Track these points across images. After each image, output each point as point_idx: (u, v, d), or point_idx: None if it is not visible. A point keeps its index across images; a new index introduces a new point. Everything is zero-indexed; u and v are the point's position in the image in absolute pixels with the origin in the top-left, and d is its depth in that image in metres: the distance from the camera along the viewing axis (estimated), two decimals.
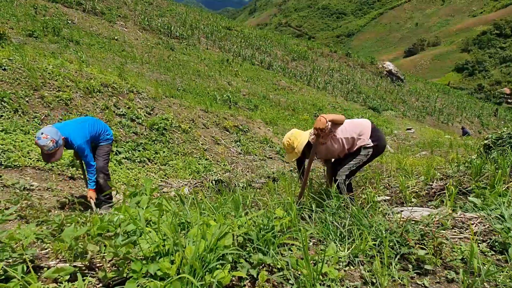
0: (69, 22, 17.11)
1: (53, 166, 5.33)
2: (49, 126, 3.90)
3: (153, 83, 11.77)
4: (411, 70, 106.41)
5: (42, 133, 3.69)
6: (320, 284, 1.63)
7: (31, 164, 5.13)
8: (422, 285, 1.78)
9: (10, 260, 1.61)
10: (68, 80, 7.64)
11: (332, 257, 1.86)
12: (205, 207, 2.53)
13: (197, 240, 1.61)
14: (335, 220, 2.39)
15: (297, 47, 36.01)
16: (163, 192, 5.72)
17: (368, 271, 1.83)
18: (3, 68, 6.88)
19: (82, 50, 13.05)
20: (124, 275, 1.58)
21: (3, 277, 1.50)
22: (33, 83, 6.87)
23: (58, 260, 1.78)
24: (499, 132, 4.59)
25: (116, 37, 18.22)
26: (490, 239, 2.20)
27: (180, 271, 1.49)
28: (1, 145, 5.13)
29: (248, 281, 1.68)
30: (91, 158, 4.20)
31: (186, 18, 29.05)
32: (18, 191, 4.29)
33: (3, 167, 4.81)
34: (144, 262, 1.55)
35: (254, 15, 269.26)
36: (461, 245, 2.06)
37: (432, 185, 4.12)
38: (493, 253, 2.09)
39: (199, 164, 7.51)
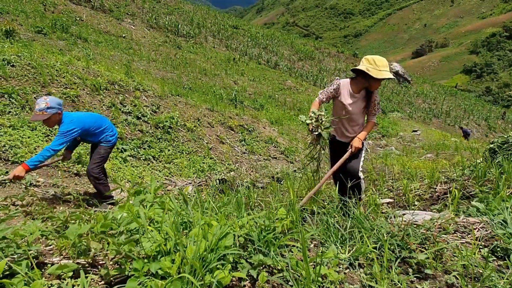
0: (78, 19, 17.23)
1: (59, 163, 5.38)
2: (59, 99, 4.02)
3: (159, 81, 11.83)
4: (418, 71, 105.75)
5: (47, 95, 3.90)
6: (319, 286, 1.64)
7: None
8: None
9: (15, 256, 1.63)
10: (75, 77, 7.71)
11: (333, 259, 1.87)
12: (208, 207, 2.55)
13: (198, 240, 1.63)
14: (337, 222, 2.40)
15: (304, 47, 35.95)
16: (168, 190, 5.75)
17: (368, 274, 1.84)
18: (11, 64, 6.96)
19: (89, 48, 13.15)
20: (126, 273, 1.60)
21: (7, 273, 1.52)
22: (41, 80, 6.94)
23: (61, 256, 1.80)
24: (505, 136, 4.56)
25: (123, 35, 18.32)
26: (492, 244, 2.19)
27: (181, 270, 1.51)
28: (9, 141, 5.19)
29: (248, 281, 1.69)
30: (59, 141, 3.83)
31: (193, 16, 29.11)
32: (24, 187, 4.34)
33: (10, 163, 4.87)
34: (145, 260, 1.57)
35: (261, 14, 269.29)
36: (462, 250, 2.06)
37: (435, 188, 4.11)
38: (495, 258, 2.08)
39: (203, 163, 7.54)
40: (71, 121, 3.97)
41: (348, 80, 3.47)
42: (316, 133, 3.28)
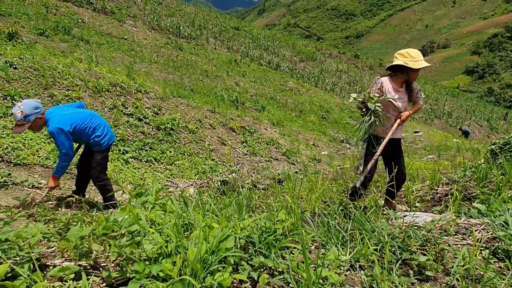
0: (80, 21, 17.28)
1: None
2: (35, 100, 3.69)
3: (161, 83, 11.85)
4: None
5: (20, 102, 3.58)
6: None
7: (39, 162, 5.21)
8: None
9: (17, 258, 1.64)
10: (77, 79, 7.74)
11: (333, 261, 1.88)
12: (209, 209, 2.55)
13: (199, 242, 1.64)
14: (338, 224, 2.40)
15: (306, 48, 35.96)
16: (169, 192, 5.76)
17: (368, 276, 1.84)
18: (14, 67, 6.99)
19: (91, 49, 13.19)
20: (128, 275, 1.61)
21: (10, 275, 1.54)
22: (43, 82, 6.97)
23: (63, 258, 1.81)
24: (507, 137, 4.55)
25: (125, 37, 18.36)
26: (493, 246, 2.19)
27: (182, 272, 1.52)
28: (11, 143, 5.21)
29: (249, 283, 1.70)
30: (64, 146, 3.75)
31: (194, 18, 29.16)
32: (26, 189, 4.36)
33: (12, 165, 4.89)
34: (147, 263, 1.58)
35: (263, 15, 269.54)
36: (463, 252, 2.06)
37: (437, 190, 4.11)
38: (496, 260, 2.08)
39: (205, 164, 7.55)
40: (57, 120, 3.73)
41: (387, 78, 3.53)
42: (363, 109, 3.36)
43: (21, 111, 3.49)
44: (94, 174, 4.20)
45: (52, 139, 3.77)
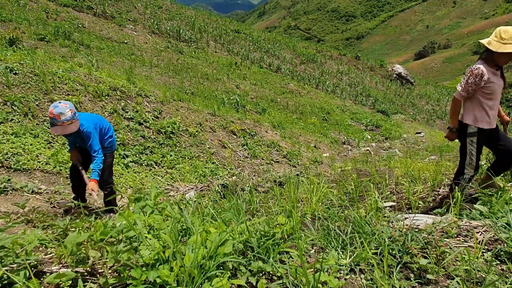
0: (80, 26, 17.33)
1: (61, 170, 5.40)
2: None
3: (161, 87, 11.86)
4: (421, 73, 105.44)
5: (60, 102, 3.42)
6: None
7: (39, 167, 5.21)
8: None
9: (14, 266, 1.63)
10: (77, 84, 7.75)
11: (333, 265, 1.86)
12: (208, 213, 2.54)
13: (197, 247, 1.62)
14: (338, 227, 2.38)
15: (306, 50, 35.95)
16: (170, 196, 5.75)
17: (368, 280, 1.82)
18: (14, 72, 7.01)
19: (92, 54, 13.21)
20: (125, 281, 1.60)
21: (6, 282, 1.52)
22: (43, 87, 6.98)
23: (60, 265, 1.80)
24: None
25: (125, 41, 18.39)
26: (496, 248, 2.17)
27: (179, 278, 1.50)
28: (11, 148, 5.21)
29: None
30: (98, 145, 3.78)
31: (195, 21, 29.20)
32: (26, 194, 4.35)
33: (12, 170, 4.89)
34: (144, 269, 1.57)
35: (263, 18, 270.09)
36: (464, 254, 2.03)
37: (439, 191, 4.09)
38: (498, 262, 2.06)
39: (205, 167, 7.53)
40: (88, 121, 3.76)
41: (481, 62, 3.17)
42: None
43: (70, 109, 3.42)
44: (105, 176, 4.20)
45: (85, 137, 3.73)
